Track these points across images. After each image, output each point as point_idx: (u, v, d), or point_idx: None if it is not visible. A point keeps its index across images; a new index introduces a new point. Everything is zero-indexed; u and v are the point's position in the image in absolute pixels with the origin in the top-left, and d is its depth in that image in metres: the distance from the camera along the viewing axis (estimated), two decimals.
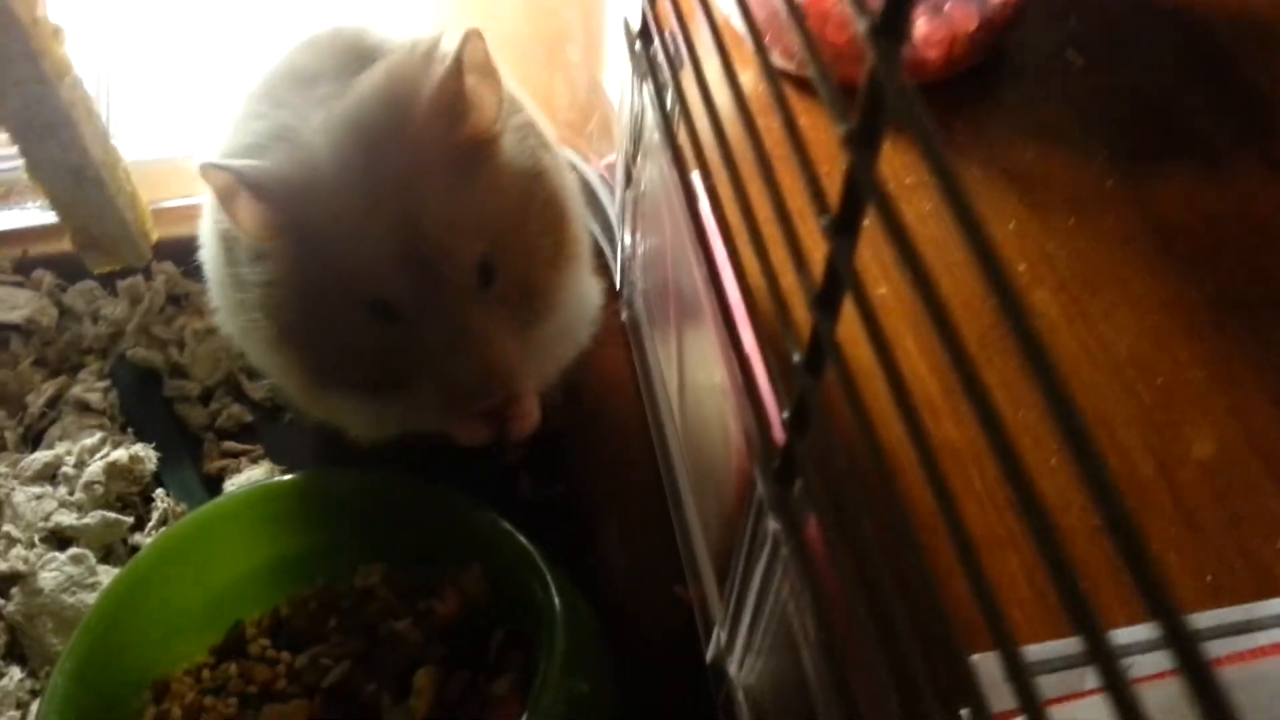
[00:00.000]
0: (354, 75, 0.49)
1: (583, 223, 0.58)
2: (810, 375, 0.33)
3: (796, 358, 0.33)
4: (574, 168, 0.67)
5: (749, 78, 0.71)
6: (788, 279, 0.35)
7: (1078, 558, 0.22)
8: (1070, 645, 0.54)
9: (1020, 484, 0.23)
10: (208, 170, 0.46)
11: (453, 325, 0.47)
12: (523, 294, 0.51)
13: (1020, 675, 0.24)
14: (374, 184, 0.46)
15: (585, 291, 0.59)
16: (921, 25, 0.77)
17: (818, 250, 0.31)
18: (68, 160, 0.56)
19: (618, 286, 0.70)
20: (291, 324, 0.50)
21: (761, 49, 0.33)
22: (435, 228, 0.46)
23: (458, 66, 0.47)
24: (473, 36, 0.47)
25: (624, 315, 0.69)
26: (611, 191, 0.72)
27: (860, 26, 0.24)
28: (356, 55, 0.52)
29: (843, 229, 0.28)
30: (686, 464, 0.57)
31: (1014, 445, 0.23)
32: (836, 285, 0.30)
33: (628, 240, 0.66)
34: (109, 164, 0.59)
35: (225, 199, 0.46)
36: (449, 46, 0.48)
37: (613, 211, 0.71)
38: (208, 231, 0.57)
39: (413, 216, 0.46)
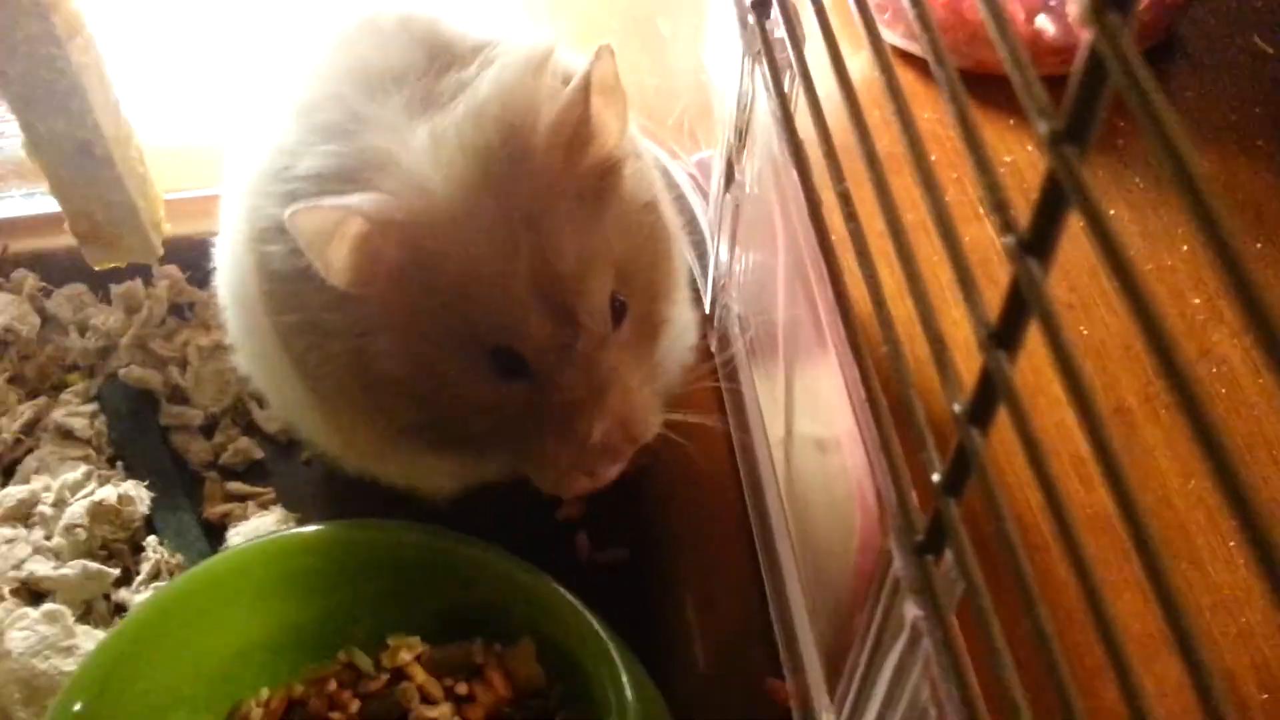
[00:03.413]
0: (438, 77, 0.50)
1: (682, 246, 0.60)
2: (975, 426, 0.32)
3: (957, 407, 0.32)
4: (659, 165, 0.67)
5: (863, 60, 0.70)
6: (942, 308, 0.35)
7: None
8: None
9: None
10: (303, 214, 0.46)
11: (590, 378, 0.49)
12: (644, 331, 0.53)
13: None
14: (502, 221, 0.47)
15: (684, 323, 0.60)
16: (1078, 5, 0.77)
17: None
18: (74, 134, 0.56)
19: (707, 310, 0.69)
20: (385, 376, 0.51)
21: (926, 21, 0.32)
22: (570, 269, 0.48)
23: (585, 89, 0.48)
24: (604, 54, 0.48)
25: (713, 344, 0.69)
26: (703, 195, 0.72)
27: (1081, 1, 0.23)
28: (434, 52, 0.52)
29: (1035, 246, 0.27)
30: (790, 529, 0.56)
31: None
32: (1021, 315, 0.29)
33: (724, 253, 0.66)
34: (120, 140, 0.59)
35: (318, 243, 0.46)
36: (562, 60, 0.49)
37: (705, 219, 0.70)
38: (233, 270, 0.57)
39: (545, 257, 0.47)
